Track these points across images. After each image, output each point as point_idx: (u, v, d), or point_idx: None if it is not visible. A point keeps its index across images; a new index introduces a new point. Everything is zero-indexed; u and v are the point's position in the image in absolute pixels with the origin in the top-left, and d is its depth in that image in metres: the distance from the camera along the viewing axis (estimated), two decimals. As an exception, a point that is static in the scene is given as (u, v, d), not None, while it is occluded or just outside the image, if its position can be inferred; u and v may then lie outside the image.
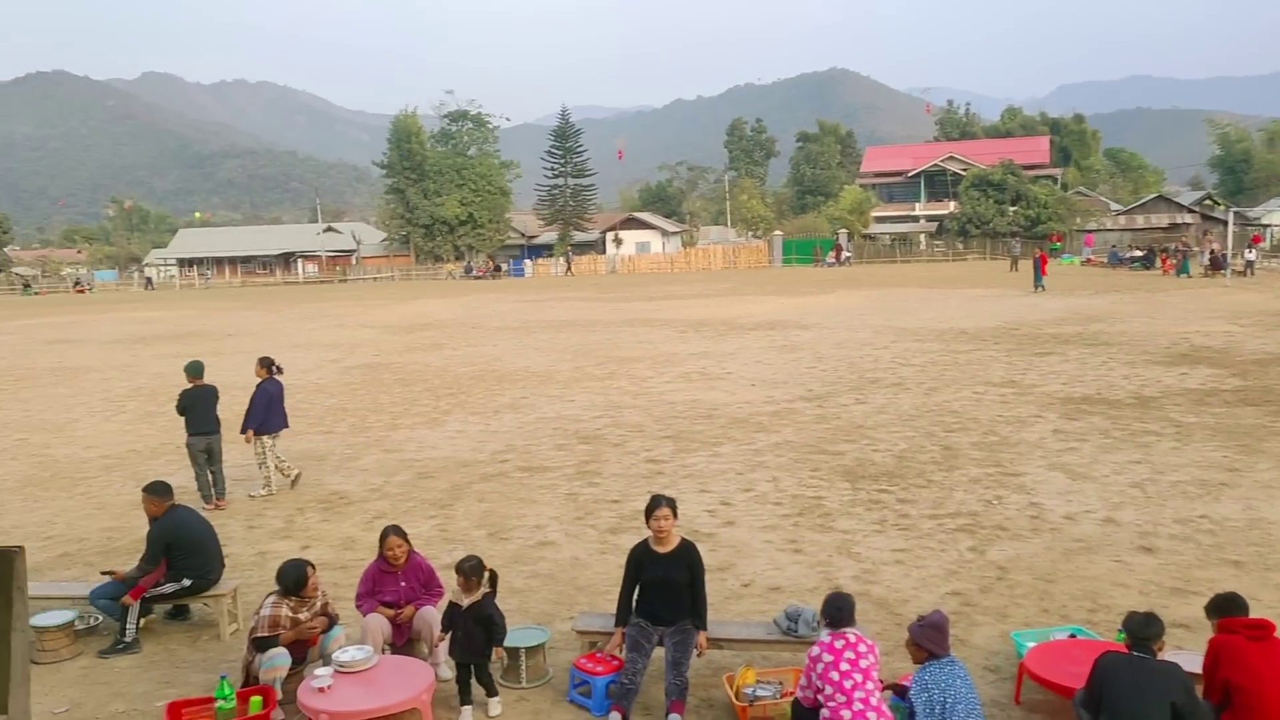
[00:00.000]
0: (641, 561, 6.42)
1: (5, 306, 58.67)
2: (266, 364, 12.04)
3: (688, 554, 6.44)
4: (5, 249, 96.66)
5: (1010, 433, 13.40)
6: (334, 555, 9.39)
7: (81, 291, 77.77)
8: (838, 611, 5.49)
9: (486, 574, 6.48)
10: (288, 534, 10.21)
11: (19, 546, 1.75)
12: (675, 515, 6.44)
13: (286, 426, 12.17)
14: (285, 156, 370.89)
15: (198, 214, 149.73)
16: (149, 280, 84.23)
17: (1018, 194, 71.02)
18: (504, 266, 78.39)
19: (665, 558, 6.37)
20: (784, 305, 35.74)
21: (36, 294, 76.61)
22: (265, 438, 11.67)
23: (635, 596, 6.47)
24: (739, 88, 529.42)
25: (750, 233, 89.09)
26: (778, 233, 79.26)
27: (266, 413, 11.70)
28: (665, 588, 6.33)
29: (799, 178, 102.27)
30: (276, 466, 11.80)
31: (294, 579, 6.37)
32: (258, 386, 11.82)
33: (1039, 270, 37.47)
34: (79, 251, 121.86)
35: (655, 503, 6.40)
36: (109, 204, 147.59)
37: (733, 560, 8.83)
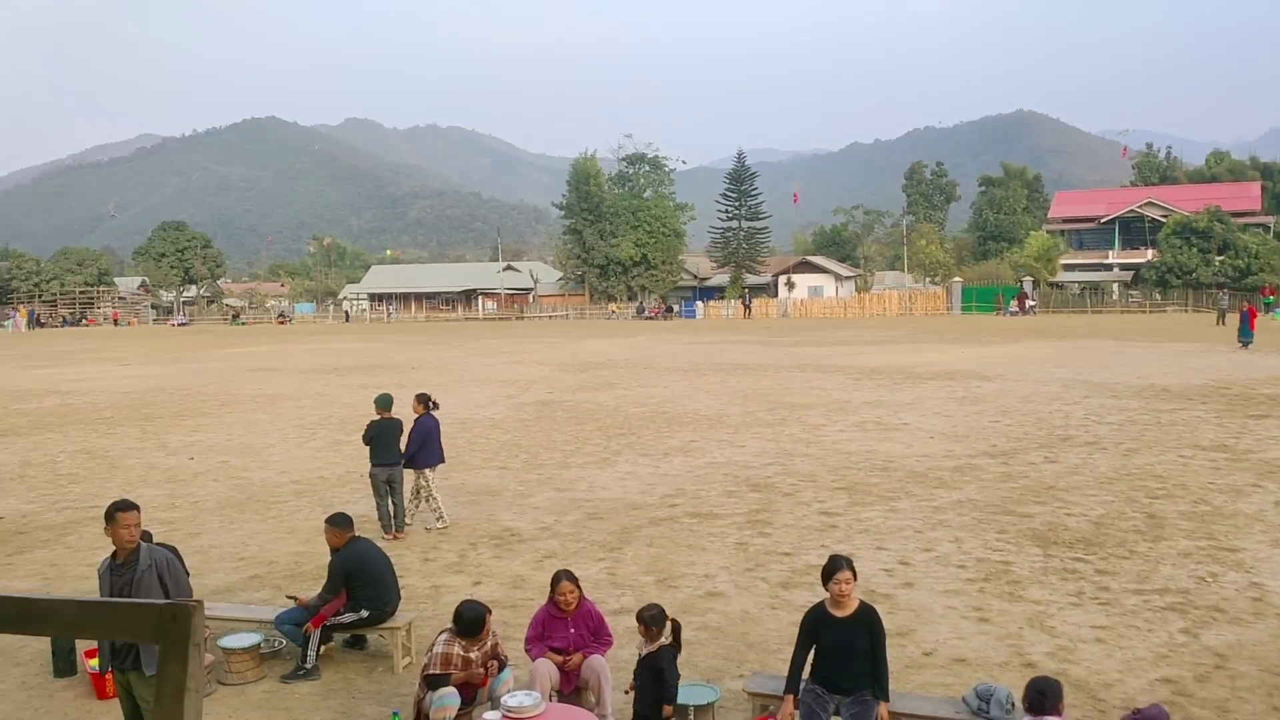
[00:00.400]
0: (818, 625, 6.09)
1: (217, 335, 63.32)
2: (423, 400, 12.39)
3: (868, 618, 6.07)
4: (219, 281, 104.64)
5: (1224, 503, 12.26)
6: (504, 593, 9.42)
7: (283, 323, 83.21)
8: (1041, 696, 5.02)
9: (669, 624, 6.32)
10: (460, 568, 10.34)
11: (197, 601, 1.67)
12: (855, 577, 6.10)
13: (443, 461, 12.43)
14: (470, 198, 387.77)
15: (389, 251, 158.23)
16: (347, 314, 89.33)
17: (1225, 242, 66.37)
18: (675, 307, 79.00)
19: (844, 622, 6.02)
20: (964, 355, 34.39)
21: (244, 324, 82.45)
22: (427, 471, 11.97)
23: (811, 661, 6.14)
24: (918, 131, 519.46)
25: (928, 278, 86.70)
26: (957, 279, 76.75)
27: (422, 447, 11.98)
28: (844, 654, 5.98)
29: (981, 223, 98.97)
30: (420, 501, 12.07)
31: (470, 622, 6.36)
32: (415, 421, 12.13)
33: (1246, 324, 34.69)
34: (282, 285, 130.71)
35: (835, 565, 6.07)
36: (310, 241, 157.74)
37: (912, 625, 8.34)
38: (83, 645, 7.55)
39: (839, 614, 6.05)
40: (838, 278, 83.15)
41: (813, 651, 6.12)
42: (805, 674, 6.15)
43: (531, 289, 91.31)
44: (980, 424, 18.83)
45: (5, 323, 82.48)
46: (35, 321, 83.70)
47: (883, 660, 6.03)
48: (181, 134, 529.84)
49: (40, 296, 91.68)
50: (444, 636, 6.44)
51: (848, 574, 5.99)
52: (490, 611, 6.58)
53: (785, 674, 6.26)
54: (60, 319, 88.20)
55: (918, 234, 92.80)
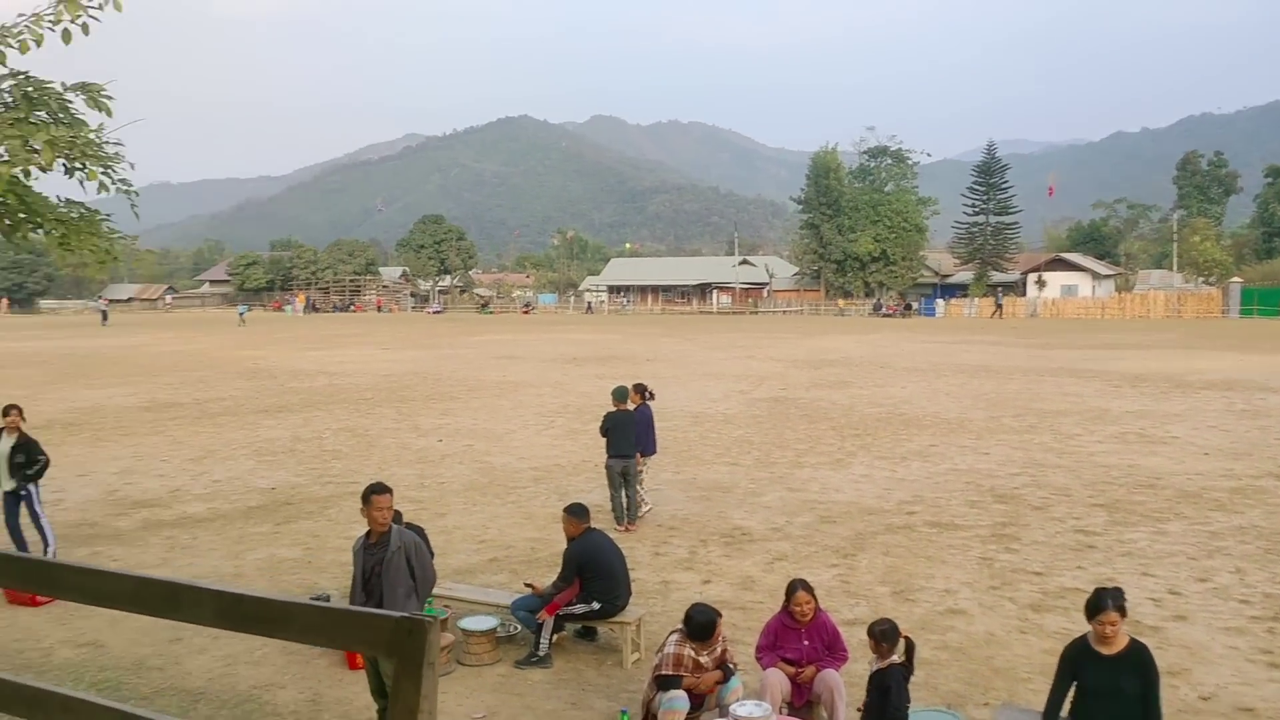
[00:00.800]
0: (1080, 662, 5.52)
1: (467, 323, 67.00)
2: (640, 390, 12.62)
3: (1139, 658, 5.45)
4: (470, 272, 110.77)
5: None
6: (733, 594, 9.27)
7: (527, 312, 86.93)
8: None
9: (901, 641, 5.96)
10: (690, 565, 10.27)
11: (432, 618, 1.56)
12: (1124, 615, 5.49)
13: (655, 452, 12.68)
14: (708, 192, 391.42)
15: (628, 245, 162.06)
16: (589, 305, 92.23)
17: None
18: (914, 305, 76.37)
19: (1111, 661, 5.43)
20: (1246, 363, 31.13)
21: (491, 313, 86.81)
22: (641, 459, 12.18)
23: (1070, 700, 5.59)
24: (1193, 118, 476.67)
25: (1200, 278, 79.43)
26: (1236, 279, 69.77)
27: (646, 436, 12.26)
28: (1110, 696, 5.39)
29: (1267, 217, 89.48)
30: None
31: (701, 626, 6.23)
32: (635, 411, 12.24)
33: None
34: (527, 276, 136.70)
35: (1101, 602, 5.46)
36: (555, 234, 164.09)
37: (1186, 664, 7.49)
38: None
39: (1105, 651, 5.46)
40: (1095, 276, 77.61)
41: (1073, 689, 5.57)
42: (1064, 712, 5.61)
43: (766, 284, 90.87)
44: (1265, 441, 16.92)
45: (286, 307, 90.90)
46: (311, 306, 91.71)
47: (1155, 706, 5.40)
48: (443, 133, 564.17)
49: (316, 284, 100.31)
50: (674, 637, 6.34)
51: (1114, 616, 5.39)
52: (721, 616, 6.42)
53: (1037, 709, 5.76)
54: (332, 305, 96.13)
55: (1190, 229, 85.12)
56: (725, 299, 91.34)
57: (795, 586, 6.56)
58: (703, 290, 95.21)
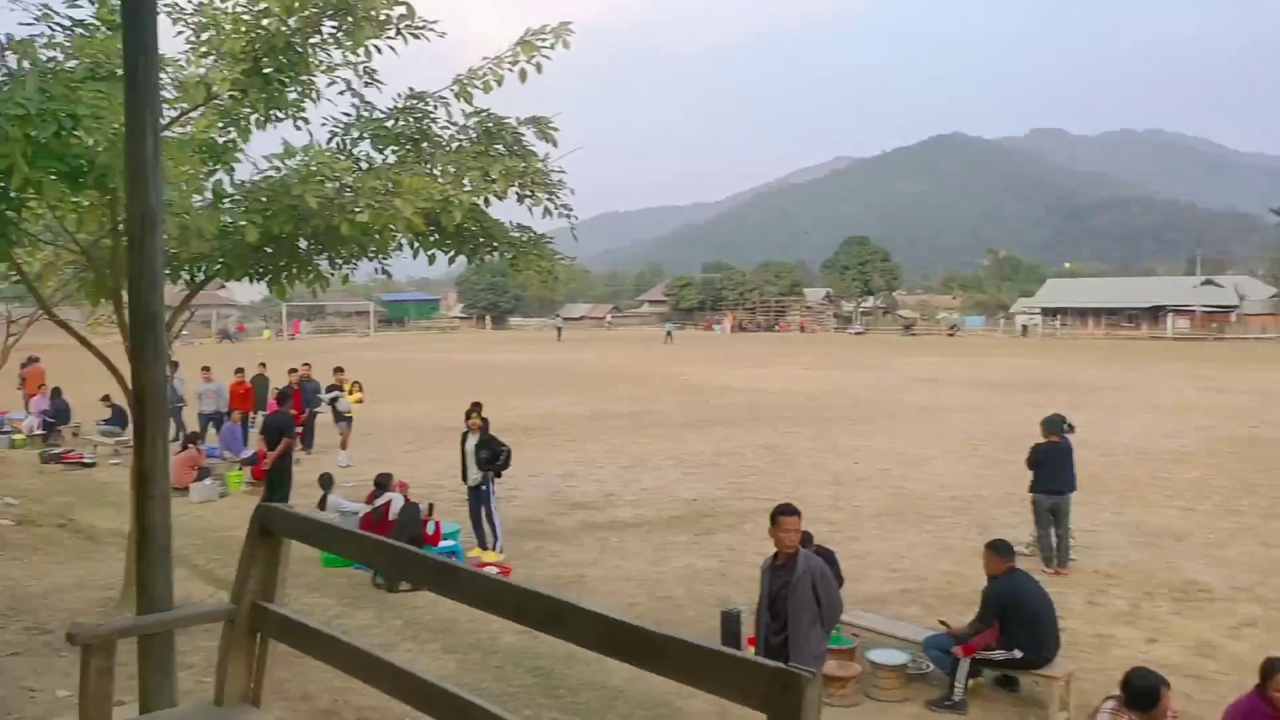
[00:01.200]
0: None
1: (889, 345, 65.98)
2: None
3: None
4: (893, 293, 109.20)
5: None
6: (1184, 659, 8.09)
7: (952, 334, 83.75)
8: None
9: None
10: (1132, 620, 9.14)
11: (811, 671, 1.39)
12: None
13: (1074, 489, 11.24)
14: (1165, 206, 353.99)
15: (1068, 264, 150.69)
16: (1024, 328, 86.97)
17: None
18: None
19: None
20: None
21: (914, 335, 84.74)
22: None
23: None
24: None
25: None
26: None
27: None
28: None
29: None
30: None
31: (1141, 693, 5.43)
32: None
33: None
34: (954, 297, 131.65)
35: None
36: (985, 254, 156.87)
37: None
38: (746, 632, 8.04)
39: None
40: None
41: None
42: None
43: (1235, 306, 79.89)
44: None
45: (715, 326, 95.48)
46: (738, 326, 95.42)
47: None
48: (871, 154, 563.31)
49: (743, 304, 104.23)
50: (1110, 704, 5.59)
51: None
52: (1168, 686, 5.55)
53: None
54: (757, 324, 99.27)
55: None
56: (1183, 323, 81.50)
57: (1276, 667, 5.48)
58: (1155, 313, 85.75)
